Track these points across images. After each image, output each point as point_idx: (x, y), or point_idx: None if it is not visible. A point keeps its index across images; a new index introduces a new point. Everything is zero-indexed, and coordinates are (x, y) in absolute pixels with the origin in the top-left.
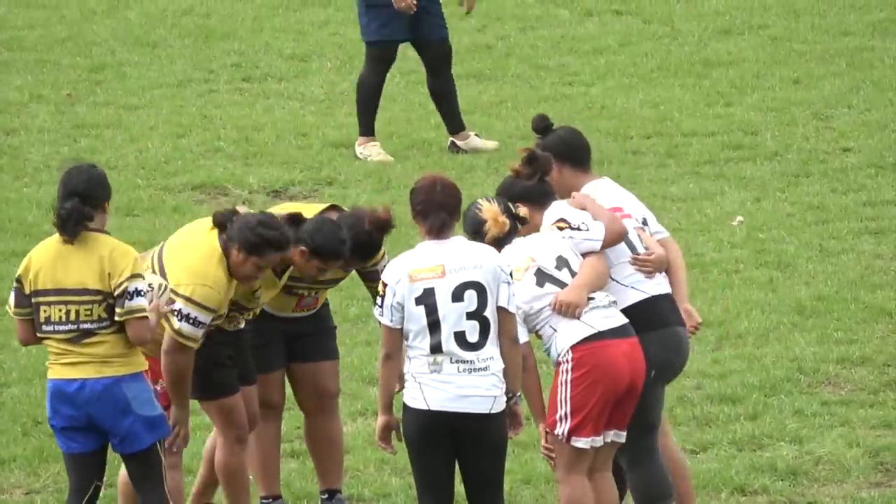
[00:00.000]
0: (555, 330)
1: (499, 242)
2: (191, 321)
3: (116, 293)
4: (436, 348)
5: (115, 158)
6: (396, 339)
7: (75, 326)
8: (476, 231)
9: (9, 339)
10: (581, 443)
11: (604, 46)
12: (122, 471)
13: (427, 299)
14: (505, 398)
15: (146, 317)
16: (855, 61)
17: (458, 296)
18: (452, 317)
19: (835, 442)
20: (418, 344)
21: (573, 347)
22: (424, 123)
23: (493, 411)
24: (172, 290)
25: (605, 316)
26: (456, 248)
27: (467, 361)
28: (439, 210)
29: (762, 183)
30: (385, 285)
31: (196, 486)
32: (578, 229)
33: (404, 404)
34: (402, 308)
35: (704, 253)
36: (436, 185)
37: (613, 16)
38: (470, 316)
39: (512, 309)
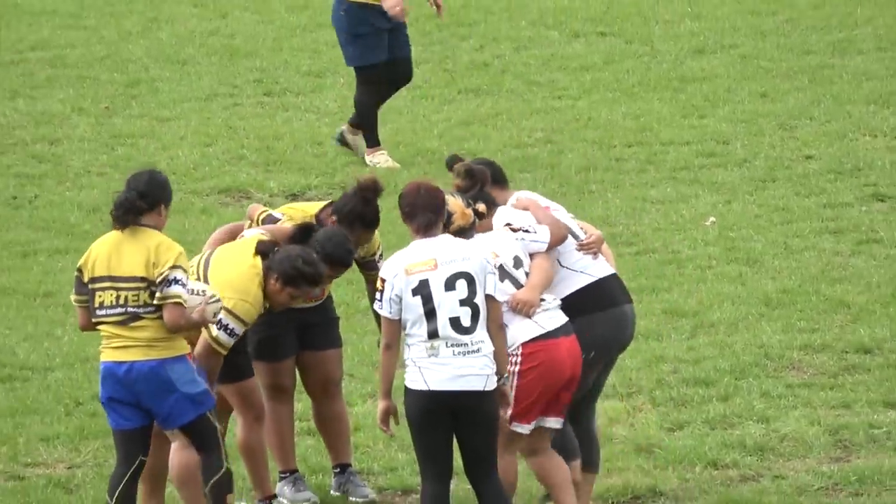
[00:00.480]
0: (506, 325)
1: (461, 233)
2: (228, 331)
3: (158, 280)
4: (433, 334)
5: (148, 165)
6: (395, 329)
7: (123, 310)
8: (443, 222)
9: (52, 328)
10: (521, 428)
11: (590, 64)
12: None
13: (423, 290)
14: (495, 378)
15: (181, 303)
16: (816, 77)
17: (450, 285)
18: (447, 304)
19: (798, 421)
20: (417, 331)
21: (524, 344)
22: (428, 134)
23: (486, 388)
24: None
25: (551, 316)
26: (446, 244)
27: (462, 344)
28: (424, 211)
29: (732, 187)
30: (384, 280)
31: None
32: (527, 231)
33: (406, 387)
34: (400, 300)
35: (681, 250)
36: (419, 190)
37: (598, 37)
38: (462, 303)
39: (498, 297)
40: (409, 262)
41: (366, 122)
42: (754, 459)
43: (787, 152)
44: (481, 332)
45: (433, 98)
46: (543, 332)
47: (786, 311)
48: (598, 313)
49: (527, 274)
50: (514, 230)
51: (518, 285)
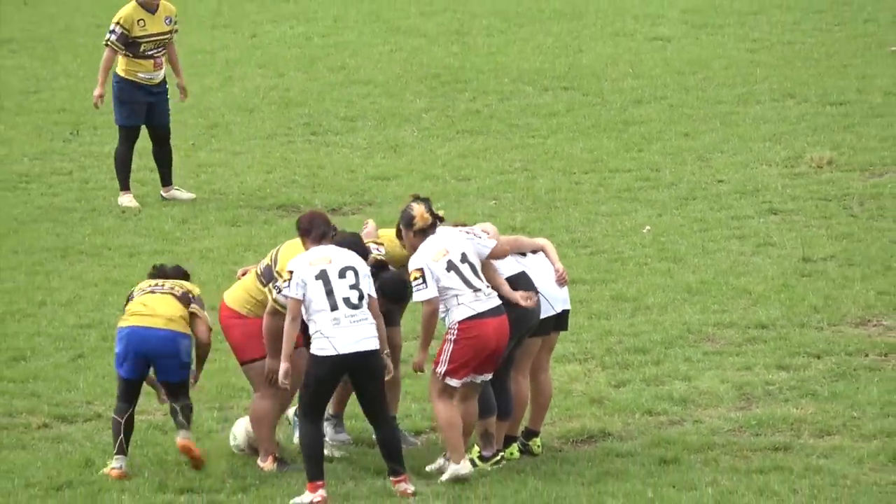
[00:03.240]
0: (447, 309)
1: (423, 233)
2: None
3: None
4: (333, 307)
5: (224, 188)
6: (299, 306)
7: None
8: (408, 223)
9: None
10: (453, 382)
11: (556, 111)
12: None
13: (323, 276)
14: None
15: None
16: (726, 121)
17: (342, 274)
18: (340, 287)
19: (712, 379)
20: (321, 307)
21: (459, 322)
22: (434, 164)
23: (377, 348)
24: (278, 273)
25: (483, 302)
26: (336, 249)
27: (354, 315)
28: (318, 226)
29: (663, 204)
30: (291, 272)
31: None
32: (478, 236)
33: (314, 355)
34: (305, 284)
35: (624, 251)
36: (313, 215)
37: (562, 90)
38: (351, 287)
39: (374, 294)
40: (311, 258)
41: (119, 170)
42: (679, 408)
43: (704, 178)
44: (366, 308)
45: (437, 137)
46: (474, 313)
47: (703, 297)
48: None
49: (472, 268)
50: (467, 232)
51: (462, 278)
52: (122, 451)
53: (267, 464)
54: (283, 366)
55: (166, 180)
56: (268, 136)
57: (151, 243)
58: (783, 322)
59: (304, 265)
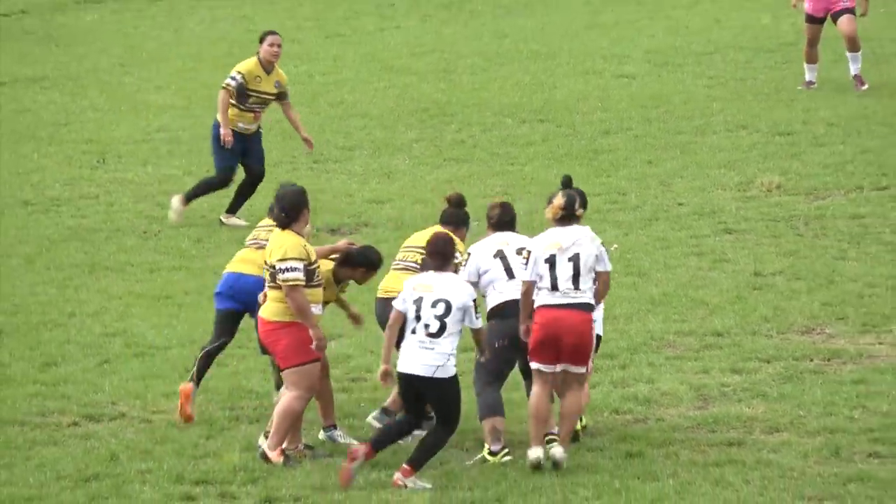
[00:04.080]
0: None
1: (559, 221)
2: (291, 270)
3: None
4: (413, 332)
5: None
6: (401, 318)
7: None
8: (549, 202)
9: (170, 320)
10: (532, 364)
11: (532, 141)
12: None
13: (418, 302)
14: (445, 367)
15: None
16: (685, 150)
17: (434, 304)
18: (427, 315)
19: (672, 382)
20: (407, 328)
21: (536, 308)
22: (424, 189)
23: (434, 376)
24: (273, 262)
25: (556, 297)
26: (445, 279)
27: (425, 342)
28: (435, 257)
29: (629, 224)
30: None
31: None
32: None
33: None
34: (405, 303)
35: None
36: (438, 239)
37: (538, 122)
38: (437, 318)
39: (476, 325)
40: (418, 282)
41: (198, 187)
42: (643, 408)
43: (666, 201)
44: (445, 340)
45: (427, 164)
46: (542, 304)
47: (665, 307)
48: (513, 318)
49: (575, 268)
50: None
51: (552, 274)
52: (193, 379)
53: (274, 455)
54: (384, 367)
55: (234, 209)
56: (274, 163)
57: (170, 260)
58: (737, 330)
59: (409, 288)
